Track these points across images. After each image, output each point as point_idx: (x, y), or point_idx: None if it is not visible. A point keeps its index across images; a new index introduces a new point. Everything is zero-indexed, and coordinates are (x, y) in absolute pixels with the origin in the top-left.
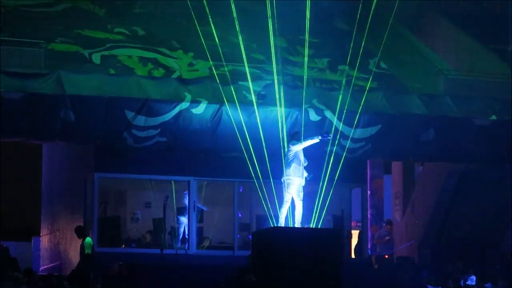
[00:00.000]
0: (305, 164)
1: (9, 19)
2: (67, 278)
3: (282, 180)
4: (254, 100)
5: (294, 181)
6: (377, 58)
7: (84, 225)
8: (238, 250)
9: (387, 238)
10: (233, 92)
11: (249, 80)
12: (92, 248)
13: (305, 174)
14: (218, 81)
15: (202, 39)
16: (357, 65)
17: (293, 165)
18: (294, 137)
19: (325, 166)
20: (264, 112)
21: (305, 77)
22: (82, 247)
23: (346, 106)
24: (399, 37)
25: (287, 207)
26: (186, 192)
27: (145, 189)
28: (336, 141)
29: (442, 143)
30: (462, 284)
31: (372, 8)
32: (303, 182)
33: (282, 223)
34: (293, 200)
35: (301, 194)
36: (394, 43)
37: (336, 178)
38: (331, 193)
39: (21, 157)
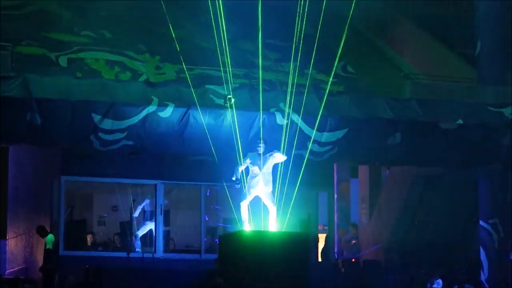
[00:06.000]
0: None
1: None
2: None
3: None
4: (221, 103)
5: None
6: (344, 62)
7: (44, 225)
8: (205, 254)
9: (353, 241)
10: (200, 96)
11: (216, 83)
12: (54, 244)
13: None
14: (185, 84)
15: (169, 42)
16: (324, 69)
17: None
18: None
19: (291, 170)
20: (231, 116)
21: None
22: (45, 245)
23: (312, 110)
24: (366, 41)
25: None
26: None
27: (112, 192)
28: (303, 145)
29: (409, 147)
30: None
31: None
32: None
33: (245, 219)
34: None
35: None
36: (361, 47)
37: (301, 181)
38: (294, 196)
39: None
